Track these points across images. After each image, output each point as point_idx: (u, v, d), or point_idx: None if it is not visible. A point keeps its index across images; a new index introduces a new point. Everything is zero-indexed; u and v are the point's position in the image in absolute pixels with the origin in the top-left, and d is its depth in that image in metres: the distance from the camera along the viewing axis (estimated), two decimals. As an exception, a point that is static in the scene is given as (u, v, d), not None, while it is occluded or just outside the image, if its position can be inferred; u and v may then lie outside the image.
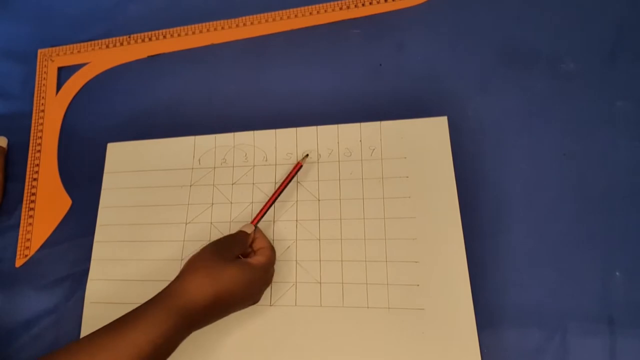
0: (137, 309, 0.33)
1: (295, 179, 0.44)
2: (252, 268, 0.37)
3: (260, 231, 0.42)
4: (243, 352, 0.39)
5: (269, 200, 0.42)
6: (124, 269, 0.45)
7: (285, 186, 0.43)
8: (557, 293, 0.38)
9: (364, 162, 0.44)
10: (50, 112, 0.55)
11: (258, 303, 0.41)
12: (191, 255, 0.37)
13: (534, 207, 0.41)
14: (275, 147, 0.46)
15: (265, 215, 0.44)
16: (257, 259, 0.38)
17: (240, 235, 0.40)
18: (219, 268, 0.35)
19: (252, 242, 0.41)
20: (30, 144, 0.54)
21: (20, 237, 0.50)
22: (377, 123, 0.44)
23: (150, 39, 0.55)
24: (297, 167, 0.43)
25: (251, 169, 0.46)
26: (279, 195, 0.42)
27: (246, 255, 0.40)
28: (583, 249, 0.39)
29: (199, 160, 0.47)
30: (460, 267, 0.38)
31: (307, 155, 0.44)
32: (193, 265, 0.36)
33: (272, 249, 0.41)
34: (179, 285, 0.34)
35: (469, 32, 0.47)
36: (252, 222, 0.41)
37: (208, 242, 0.44)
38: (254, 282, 0.37)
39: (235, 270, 0.36)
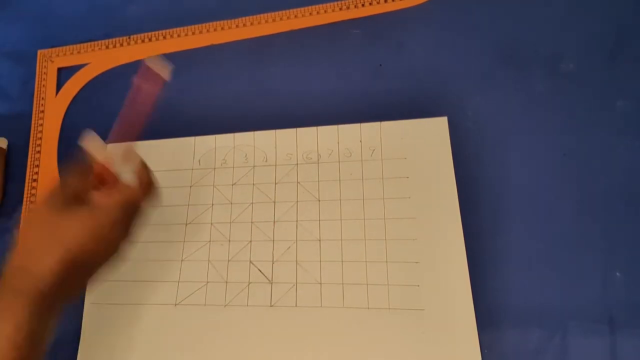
0: None
1: (293, 177, 0.44)
2: (98, 210, 0.30)
3: (121, 156, 0.34)
4: (243, 353, 0.39)
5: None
6: (124, 270, 0.45)
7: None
8: (557, 293, 0.38)
9: (364, 163, 0.44)
10: (50, 112, 0.55)
11: (256, 304, 0.41)
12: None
13: (534, 207, 0.41)
14: (276, 148, 0.46)
15: (265, 215, 0.43)
16: (101, 197, 0.31)
17: (74, 168, 0.33)
18: (54, 223, 0.29)
19: (106, 171, 0.33)
20: (30, 145, 0.54)
21: (20, 237, 0.50)
22: (377, 123, 0.44)
23: (150, 40, 0.55)
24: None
25: (251, 170, 0.46)
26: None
27: (98, 189, 0.33)
28: (583, 249, 0.39)
29: (199, 160, 0.47)
30: (460, 268, 0.38)
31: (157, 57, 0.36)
32: (27, 226, 0.30)
33: (136, 182, 0.34)
34: (17, 261, 0.29)
35: (469, 32, 0.47)
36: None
37: (208, 242, 0.44)
38: (106, 228, 0.30)
39: (75, 219, 0.29)
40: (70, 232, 0.29)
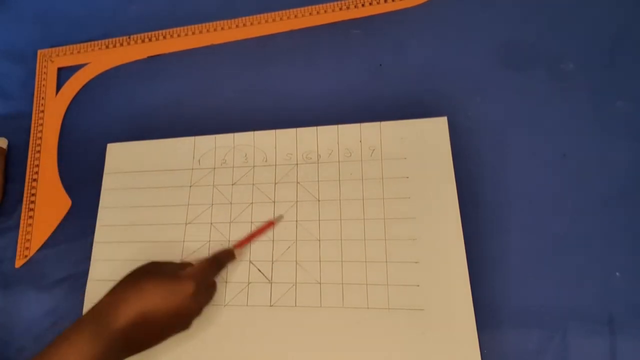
0: (59, 338, 0.32)
1: (293, 177, 0.44)
2: (180, 283, 0.35)
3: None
4: (243, 353, 0.39)
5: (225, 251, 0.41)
6: (124, 270, 0.45)
7: (249, 241, 0.43)
8: (557, 293, 0.38)
9: (364, 163, 0.44)
10: (50, 112, 0.55)
11: (256, 303, 0.41)
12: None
13: (534, 207, 0.41)
14: (275, 148, 0.46)
15: (265, 215, 0.44)
16: (187, 271, 0.36)
17: (180, 262, 0.39)
18: (142, 283, 0.34)
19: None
20: (30, 145, 0.54)
21: (20, 237, 0.50)
22: (377, 123, 0.44)
23: (150, 40, 0.55)
24: (269, 225, 0.43)
25: (251, 170, 0.46)
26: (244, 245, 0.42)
27: None
28: (583, 249, 0.39)
29: (199, 160, 0.47)
30: (460, 267, 0.38)
31: (282, 216, 0.43)
32: (121, 281, 0.35)
33: (207, 265, 0.38)
34: (104, 304, 0.33)
35: (469, 32, 0.47)
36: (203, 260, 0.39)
37: (208, 242, 0.44)
38: (184, 299, 0.35)
39: (162, 285, 0.34)
40: (153, 293, 0.33)
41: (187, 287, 0.35)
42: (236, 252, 0.42)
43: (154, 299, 0.33)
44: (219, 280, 0.41)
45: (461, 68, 0.46)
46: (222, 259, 0.40)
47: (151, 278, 0.35)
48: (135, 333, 0.33)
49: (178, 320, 0.36)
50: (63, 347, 0.31)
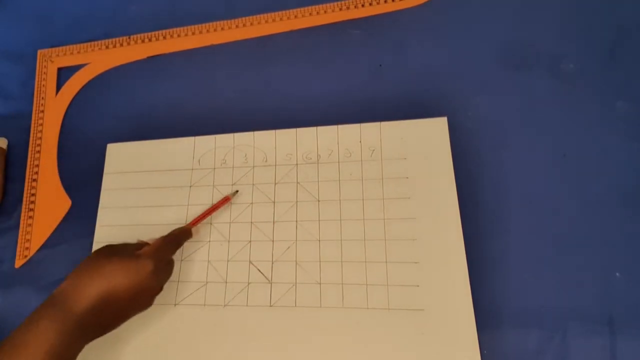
0: (21, 326, 0.31)
1: (293, 177, 0.44)
2: (138, 261, 0.35)
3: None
4: (242, 353, 0.39)
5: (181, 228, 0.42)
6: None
7: (204, 217, 0.43)
8: (557, 293, 0.38)
9: (364, 163, 0.43)
10: (50, 112, 0.55)
11: (256, 304, 0.41)
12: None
13: (534, 208, 0.41)
14: (275, 148, 0.46)
15: (265, 215, 0.44)
16: (144, 250, 0.37)
17: (135, 243, 0.39)
18: (102, 266, 0.34)
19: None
20: (30, 145, 0.54)
21: (19, 237, 0.50)
22: (377, 124, 0.44)
23: (150, 40, 0.55)
24: (224, 200, 0.44)
25: (251, 170, 0.46)
26: (196, 223, 0.43)
27: None
28: (583, 249, 0.39)
29: (199, 160, 0.47)
30: (460, 268, 0.38)
31: (237, 191, 0.44)
32: (82, 264, 0.35)
33: (163, 243, 0.39)
34: (61, 290, 0.33)
35: (469, 32, 0.47)
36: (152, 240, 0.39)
37: (208, 242, 0.44)
38: (144, 277, 0.35)
39: (121, 265, 0.34)
40: (112, 274, 0.33)
41: (145, 265, 0.35)
42: (193, 230, 0.42)
43: (114, 279, 0.33)
44: (176, 257, 0.41)
45: (461, 68, 0.46)
46: (178, 237, 0.41)
47: (110, 259, 0.35)
48: (97, 315, 0.33)
49: (139, 299, 0.36)
50: (26, 336, 0.31)
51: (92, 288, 0.33)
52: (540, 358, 0.36)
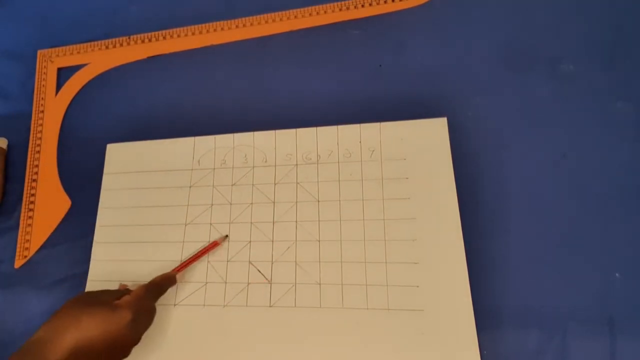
0: None
1: (292, 178, 0.44)
2: (116, 312, 0.34)
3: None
4: (242, 353, 0.39)
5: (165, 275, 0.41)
6: (124, 270, 0.45)
7: (191, 263, 0.42)
8: (557, 293, 0.38)
9: (364, 163, 0.43)
10: (49, 112, 0.55)
11: (256, 304, 0.41)
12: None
13: (533, 207, 0.41)
14: (275, 148, 0.46)
15: (265, 216, 0.44)
16: (123, 300, 0.36)
17: (116, 290, 0.39)
18: (78, 316, 0.33)
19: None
20: (30, 145, 0.54)
21: (19, 238, 0.50)
22: (377, 124, 0.44)
23: (150, 40, 0.55)
24: (213, 245, 0.43)
25: (251, 170, 0.46)
26: (183, 268, 0.42)
27: None
28: (583, 249, 0.39)
29: (199, 161, 0.47)
30: (459, 268, 0.38)
31: (227, 236, 0.44)
32: (61, 309, 0.34)
33: (144, 292, 0.38)
34: (39, 338, 0.32)
35: (469, 33, 0.47)
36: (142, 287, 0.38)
37: (208, 242, 0.44)
38: (120, 328, 0.34)
39: (98, 315, 0.33)
40: (88, 325, 0.32)
41: (124, 317, 0.34)
42: (177, 276, 0.42)
43: (89, 330, 0.32)
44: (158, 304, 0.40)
45: (461, 68, 0.46)
46: (161, 284, 0.40)
47: (86, 309, 0.34)
48: None
49: (116, 350, 0.35)
50: None
51: (66, 339, 0.32)
52: (540, 358, 0.36)
